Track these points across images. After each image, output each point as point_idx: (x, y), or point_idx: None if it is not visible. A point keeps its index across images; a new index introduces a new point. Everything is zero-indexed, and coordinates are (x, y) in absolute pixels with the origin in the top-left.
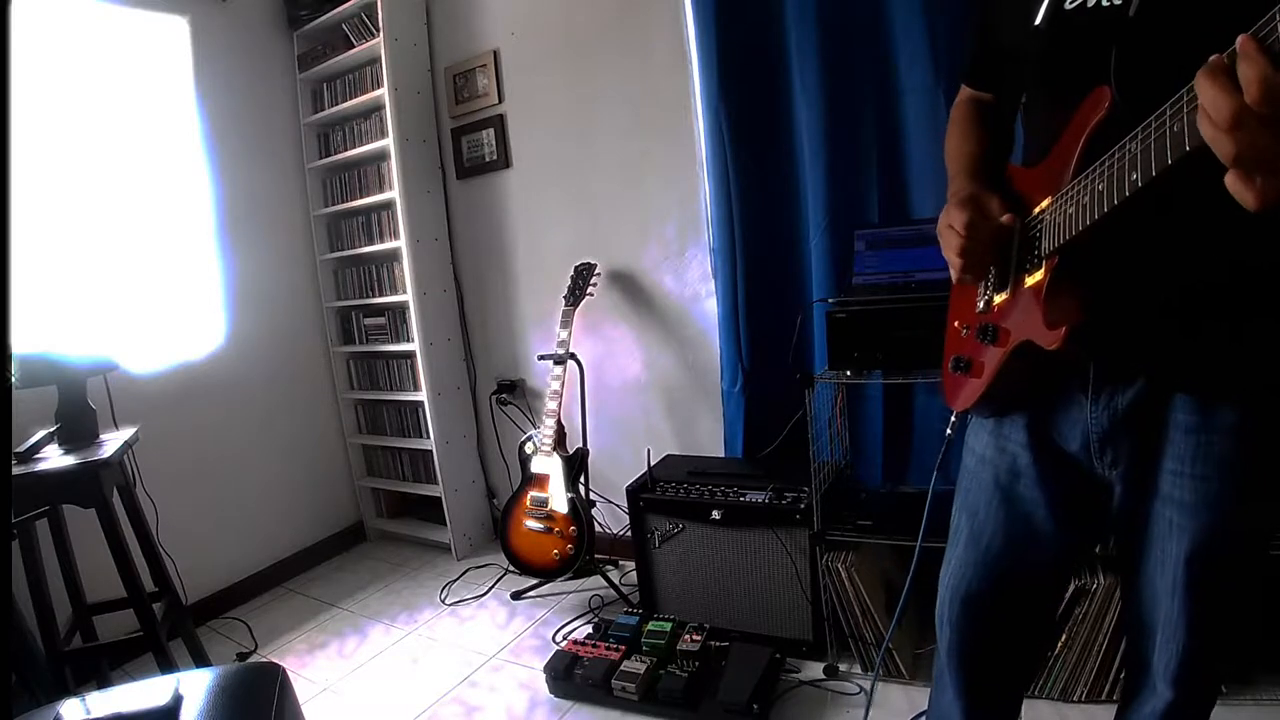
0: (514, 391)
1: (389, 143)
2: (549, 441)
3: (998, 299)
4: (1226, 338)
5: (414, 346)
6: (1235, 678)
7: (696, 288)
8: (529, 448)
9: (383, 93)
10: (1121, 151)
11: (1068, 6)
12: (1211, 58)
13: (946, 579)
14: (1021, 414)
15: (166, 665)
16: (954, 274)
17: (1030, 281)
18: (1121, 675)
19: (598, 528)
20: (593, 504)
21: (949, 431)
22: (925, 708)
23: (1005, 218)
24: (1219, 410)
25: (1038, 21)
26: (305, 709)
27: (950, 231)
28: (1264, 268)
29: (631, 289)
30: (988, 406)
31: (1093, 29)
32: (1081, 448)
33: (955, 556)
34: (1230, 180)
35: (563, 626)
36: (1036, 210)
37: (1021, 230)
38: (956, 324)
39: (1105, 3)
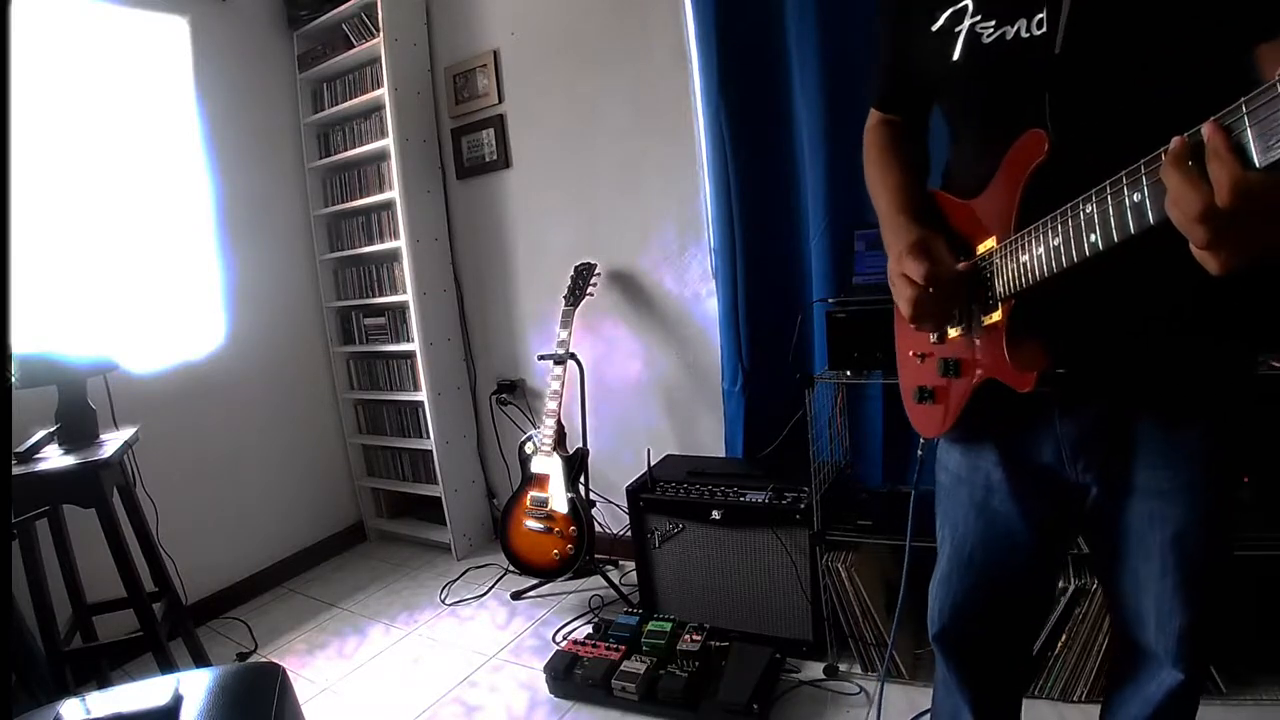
0: (514, 391)
1: (389, 143)
2: (549, 441)
3: (953, 332)
4: (1186, 361)
5: (414, 346)
6: (1235, 678)
7: (696, 288)
8: (529, 448)
9: (383, 93)
10: (1076, 211)
11: (986, 40)
12: (1174, 142)
13: (935, 589)
14: (991, 434)
15: (166, 665)
16: (909, 321)
17: (988, 321)
18: None
19: (598, 528)
20: (593, 504)
21: (919, 453)
22: (926, 708)
23: (961, 266)
24: (1181, 425)
25: (955, 56)
26: (305, 709)
27: (905, 281)
28: (1218, 292)
29: (631, 289)
30: (958, 433)
31: (1019, 67)
32: (1054, 458)
33: (941, 568)
34: (1195, 252)
35: (563, 626)
36: (983, 249)
37: (972, 268)
38: (911, 353)
39: (1025, 34)
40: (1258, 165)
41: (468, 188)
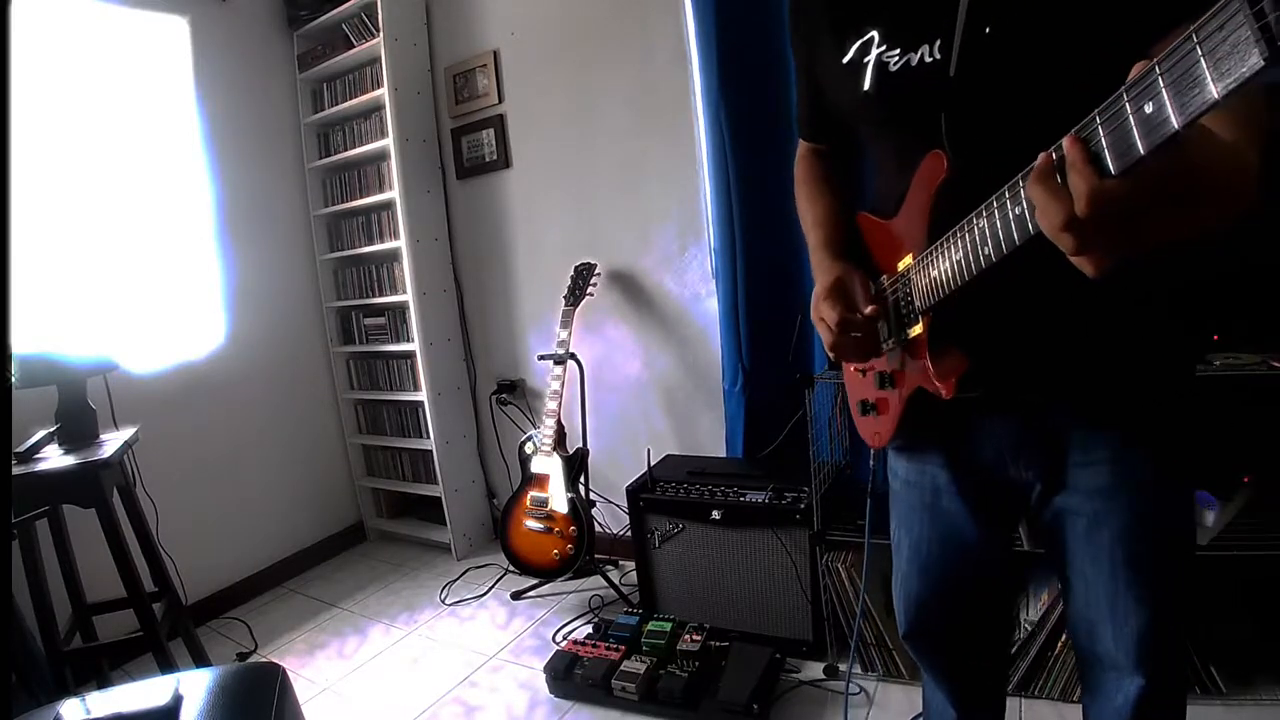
0: (514, 391)
1: (389, 143)
2: (549, 441)
3: (884, 347)
4: (1100, 361)
5: (414, 346)
6: (1235, 678)
7: (696, 288)
8: (529, 448)
9: (383, 93)
10: (970, 226)
11: (892, 68)
12: (1039, 159)
13: (898, 590)
14: (934, 439)
15: (166, 665)
16: (833, 358)
17: (912, 333)
18: None
19: (598, 528)
20: (593, 504)
21: (872, 464)
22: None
23: (869, 310)
24: (1107, 425)
25: (866, 86)
26: (305, 709)
27: (823, 324)
28: (1131, 291)
29: (631, 289)
30: (900, 440)
31: (920, 91)
32: (995, 457)
33: (901, 570)
34: (1070, 257)
35: (563, 626)
36: (902, 266)
37: (893, 285)
38: (853, 368)
39: (928, 59)
40: (1113, 172)
41: (468, 188)
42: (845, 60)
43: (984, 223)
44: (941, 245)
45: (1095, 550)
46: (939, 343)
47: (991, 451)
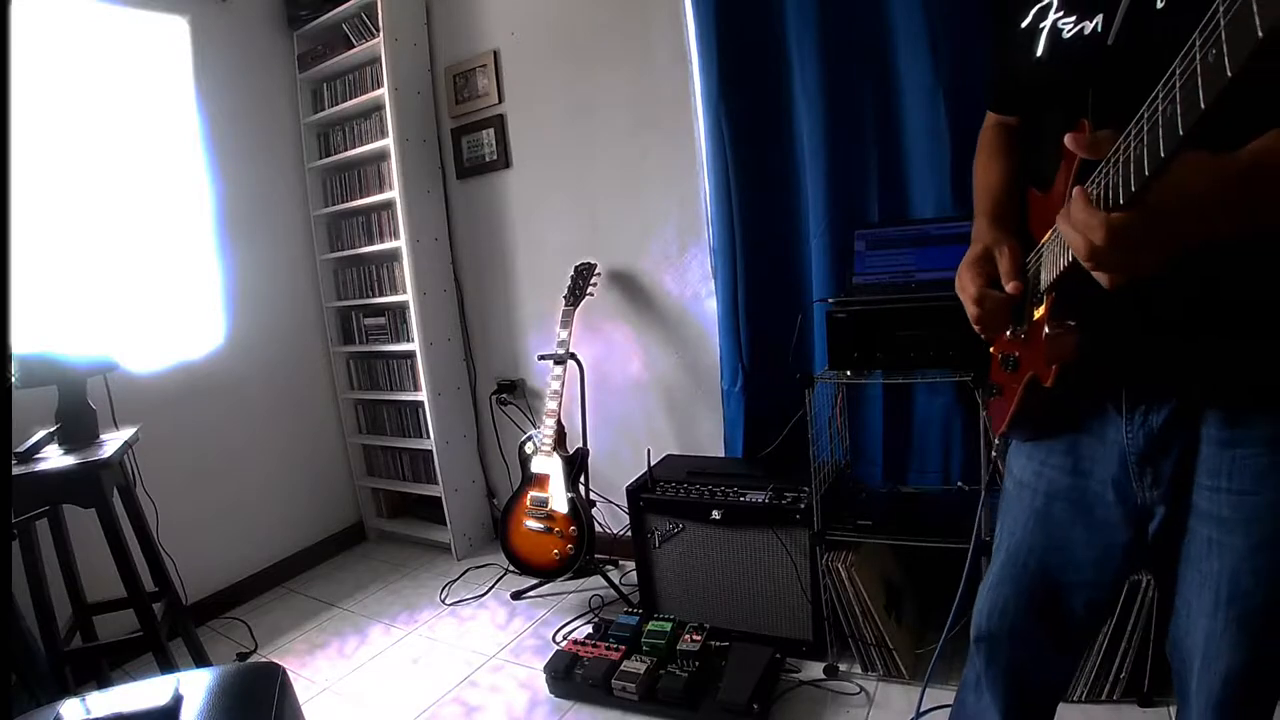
0: (514, 391)
1: (389, 143)
2: (549, 441)
3: (1020, 329)
4: (1251, 352)
5: (414, 346)
6: None
7: (696, 288)
8: (529, 448)
9: (383, 93)
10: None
11: (1066, 35)
12: (1073, 198)
13: (986, 591)
14: (1059, 437)
15: (166, 665)
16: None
17: (1037, 315)
18: (1122, 676)
19: (598, 528)
20: (593, 504)
21: (993, 454)
22: (926, 708)
23: (1010, 287)
24: (1253, 424)
25: (1039, 53)
26: (305, 709)
27: (964, 294)
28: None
29: (631, 289)
30: (1019, 431)
31: (1083, 59)
32: (1120, 469)
33: (994, 572)
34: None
35: (563, 626)
36: (1041, 243)
37: (1033, 262)
38: (993, 350)
39: (1101, 29)
40: (1121, 201)
41: (468, 188)
42: (1024, 24)
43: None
44: None
45: (1204, 577)
46: (1058, 326)
47: (1117, 463)
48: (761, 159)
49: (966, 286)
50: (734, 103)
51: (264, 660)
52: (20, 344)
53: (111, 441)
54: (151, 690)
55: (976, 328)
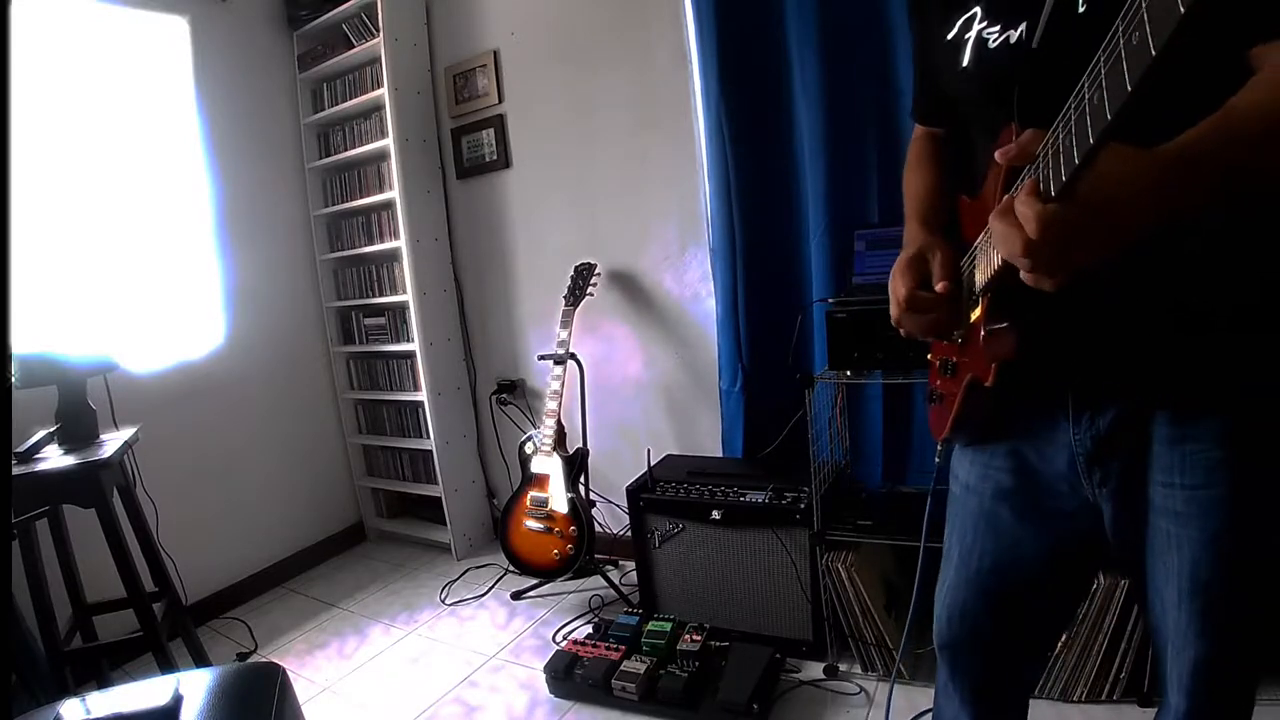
0: (514, 391)
1: (389, 143)
2: (549, 441)
3: (957, 334)
4: (1195, 349)
5: (414, 346)
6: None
7: (696, 288)
8: (529, 448)
9: (383, 93)
10: None
11: (991, 45)
12: (1005, 199)
13: (942, 598)
14: (1003, 440)
15: (166, 665)
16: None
17: (974, 317)
18: (1122, 676)
19: (598, 528)
20: (593, 504)
21: (937, 459)
22: (926, 708)
23: (939, 286)
24: (1202, 420)
25: (965, 63)
26: (305, 709)
27: (893, 298)
28: (1218, 281)
29: (631, 289)
30: (961, 435)
31: (1009, 66)
32: (1068, 468)
33: (948, 578)
34: (1024, 277)
35: (563, 626)
36: (975, 245)
37: (966, 265)
38: (930, 355)
39: (1025, 36)
40: (1053, 194)
41: (468, 188)
42: (949, 36)
43: None
44: None
45: (1168, 571)
46: (995, 327)
47: (1065, 463)
48: (761, 159)
49: (898, 289)
50: (734, 103)
51: (264, 660)
52: (20, 344)
53: (111, 441)
54: (151, 690)
55: (898, 327)
